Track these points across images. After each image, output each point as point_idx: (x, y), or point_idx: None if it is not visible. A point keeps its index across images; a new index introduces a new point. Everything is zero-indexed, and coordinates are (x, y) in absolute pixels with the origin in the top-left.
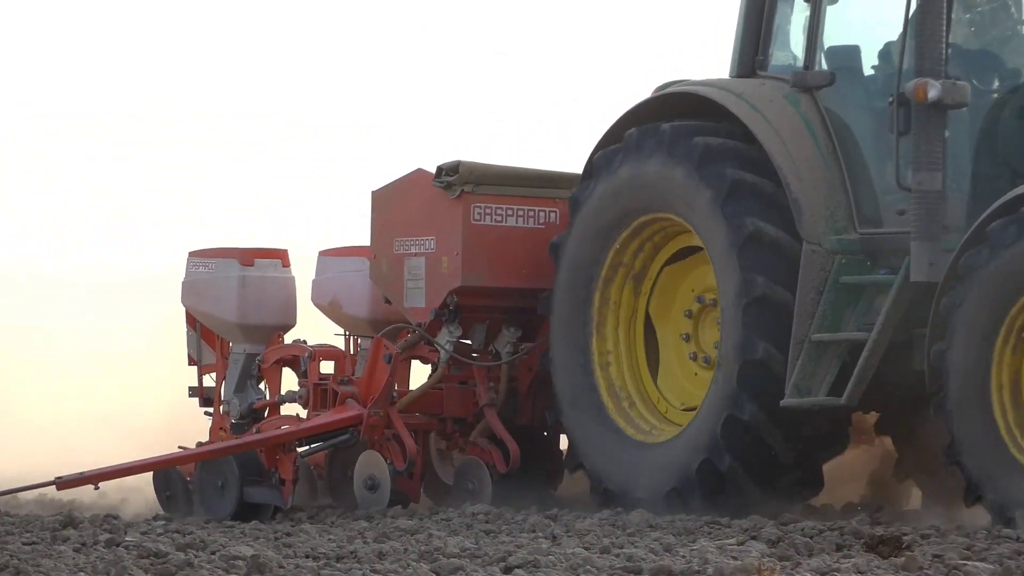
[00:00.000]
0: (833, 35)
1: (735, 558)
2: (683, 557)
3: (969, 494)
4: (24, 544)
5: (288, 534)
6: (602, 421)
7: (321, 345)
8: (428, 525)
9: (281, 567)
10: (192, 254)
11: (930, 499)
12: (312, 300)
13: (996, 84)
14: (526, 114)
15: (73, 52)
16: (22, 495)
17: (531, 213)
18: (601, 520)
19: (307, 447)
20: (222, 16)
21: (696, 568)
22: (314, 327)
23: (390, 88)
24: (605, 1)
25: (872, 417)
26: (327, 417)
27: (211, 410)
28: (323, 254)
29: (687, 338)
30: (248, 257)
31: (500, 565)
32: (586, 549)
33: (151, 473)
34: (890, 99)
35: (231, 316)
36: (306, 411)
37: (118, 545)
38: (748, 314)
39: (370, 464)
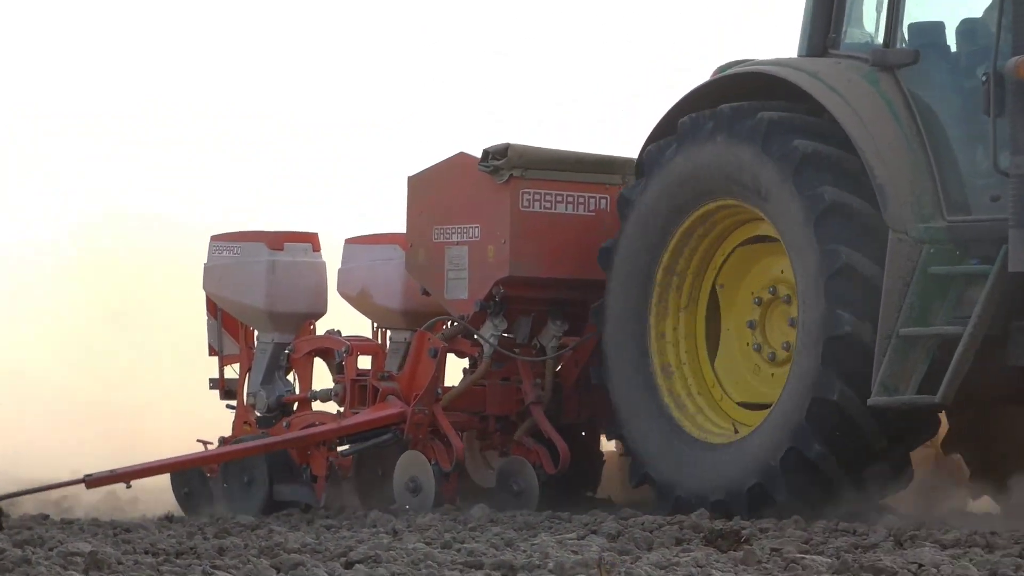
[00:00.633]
0: (914, 11)
1: (575, 552)
2: (524, 552)
3: None
4: None
5: (127, 529)
6: (668, 429)
7: (356, 337)
8: (268, 521)
9: (120, 563)
10: (215, 238)
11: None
12: (338, 290)
13: None
14: (526, 114)
15: (73, 52)
16: None
17: (581, 199)
18: (442, 515)
19: (346, 447)
20: (222, 16)
21: (537, 563)
22: (336, 317)
23: (390, 88)
24: (605, 1)
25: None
26: (368, 415)
27: (233, 403)
28: (349, 242)
29: (752, 325)
30: (277, 241)
31: (341, 560)
32: (427, 544)
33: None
34: (983, 78)
35: (259, 303)
36: (342, 408)
37: None
38: (831, 287)
39: (413, 465)
